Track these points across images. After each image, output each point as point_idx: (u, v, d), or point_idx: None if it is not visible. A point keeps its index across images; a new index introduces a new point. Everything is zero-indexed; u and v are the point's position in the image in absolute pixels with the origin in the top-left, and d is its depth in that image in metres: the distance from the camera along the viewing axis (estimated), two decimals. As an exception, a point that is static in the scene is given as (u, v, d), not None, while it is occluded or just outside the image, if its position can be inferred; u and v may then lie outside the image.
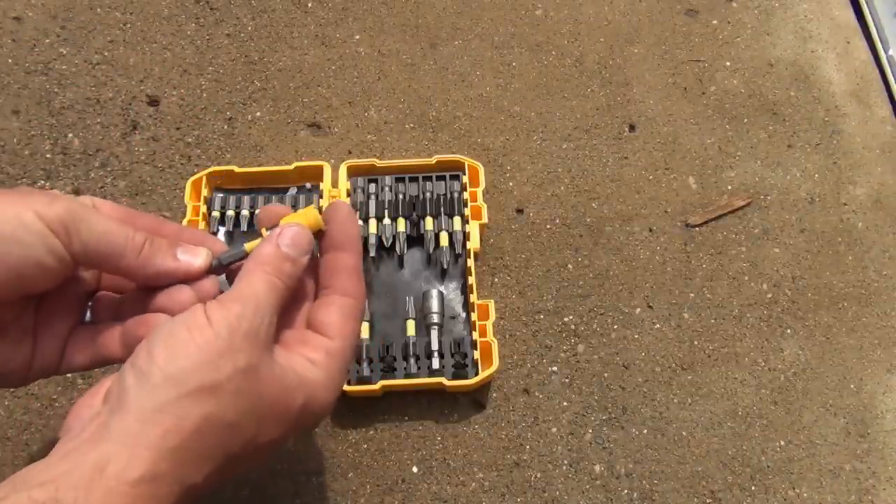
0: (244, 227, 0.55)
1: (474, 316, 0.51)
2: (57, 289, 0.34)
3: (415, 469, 0.50)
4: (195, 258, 0.36)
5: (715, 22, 0.68)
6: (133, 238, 0.34)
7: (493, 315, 0.51)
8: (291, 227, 0.36)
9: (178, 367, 0.29)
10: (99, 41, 0.64)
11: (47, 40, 0.64)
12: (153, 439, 0.28)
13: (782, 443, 0.51)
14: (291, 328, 0.36)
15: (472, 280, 0.52)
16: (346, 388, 0.49)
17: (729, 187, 0.60)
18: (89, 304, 0.38)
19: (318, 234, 0.37)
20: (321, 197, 0.55)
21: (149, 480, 0.28)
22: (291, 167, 0.56)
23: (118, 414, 0.29)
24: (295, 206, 0.55)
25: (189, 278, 0.36)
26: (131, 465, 0.28)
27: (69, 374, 0.51)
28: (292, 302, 0.36)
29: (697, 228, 0.59)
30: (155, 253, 0.35)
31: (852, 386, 0.54)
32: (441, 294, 0.53)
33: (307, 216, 0.37)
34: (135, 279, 0.36)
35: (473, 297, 0.52)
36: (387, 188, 0.56)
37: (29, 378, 0.36)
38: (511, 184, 0.60)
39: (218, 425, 0.30)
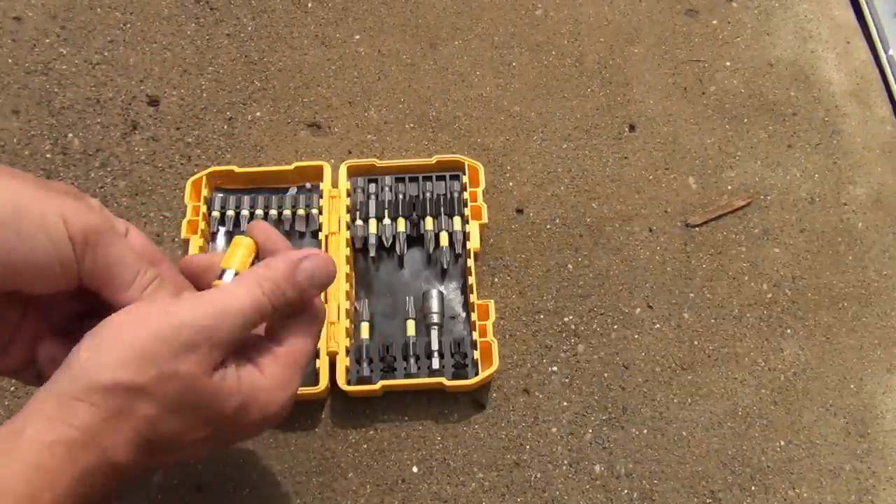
0: (244, 227, 0.55)
1: (474, 316, 0.51)
2: (49, 296, 0.33)
3: (415, 469, 0.50)
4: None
5: (715, 22, 0.68)
6: (143, 275, 0.33)
7: (493, 315, 0.51)
8: (321, 256, 0.35)
9: (95, 363, 0.30)
10: (99, 41, 0.64)
11: (47, 40, 0.64)
12: (68, 418, 0.29)
13: (782, 443, 0.51)
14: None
15: (472, 280, 0.52)
16: (346, 388, 0.49)
17: (729, 187, 0.60)
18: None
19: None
20: (321, 197, 0.55)
21: (64, 444, 0.28)
22: (291, 167, 0.56)
23: (42, 391, 0.29)
24: (295, 207, 0.55)
25: None
26: (47, 429, 0.28)
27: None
28: None
29: (697, 228, 0.59)
30: (158, 296, 0.33)
31: (852, 386, 0.54)
32: (441, 294, 0.53)
33: (243, 247, 0.36)
34: None
35: (473, 297, 0.52)
36: (387, 188, 0.56)
37: None
38: (511, 184, 0.60)
39: (132, 419, 0.30)
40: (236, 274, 0.35)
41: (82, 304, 0.35)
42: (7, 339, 0.35)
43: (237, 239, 0.36)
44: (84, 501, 0.29)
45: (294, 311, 0.36)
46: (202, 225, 0.54)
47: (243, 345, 0.34)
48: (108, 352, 0.30)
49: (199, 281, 0.36)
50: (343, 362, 0.50)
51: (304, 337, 0.35)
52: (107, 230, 0.32)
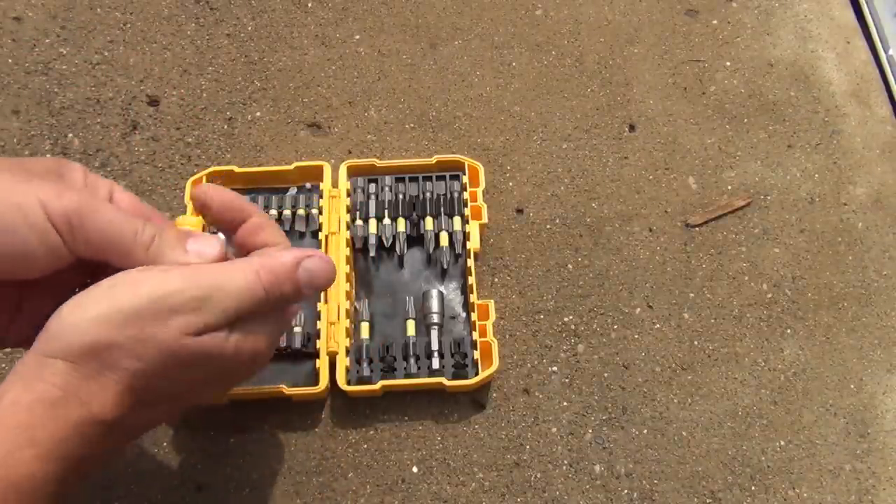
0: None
1: (474, 316, 0.51)
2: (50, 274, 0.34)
3: (415, 469, 0.50)
4: (207, 248, 0.34)
5: (715, 22, 0.68)
6: (142, 233, 0.32)
7: (493, 315, 0.51)
8: (324, 258, 0.35)
9: (76, 321, 0.30)
10: (99, 41, 0.64)
11: (47, 40, 0.64)
12: (48, 377, 0.29)
13: (782, 443, 0.51)
14: None
15: (472, 280, 0.52)
16: (346, 388, 0.49)
17: (729, 187, 0.60)
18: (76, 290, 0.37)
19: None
20: (321, 197, 0.55)
21: (45, 402, 0.29)
22: (291, 167, 0.56)
23: (21, 360, 0.30)
24: (295, 207, 0.55)
25: None
26: (26, 390, 0.29)
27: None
28: None
29: (697, 228, 0.59)
30: (164, 248, 0.33)
31: (852, 386, 0.54)
32: (441, 294, 0.53)
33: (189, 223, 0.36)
34: None
35: (473, 297, 0.52)
36: (387, 188, 0.56)
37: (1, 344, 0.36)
38: (511, 184, 0.60)
39: (117, 372, 0.30)
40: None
41: (88, 273, 0.35)
42: (8, 318, 0.35)
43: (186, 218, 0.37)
44: (73, 457, 0.30)
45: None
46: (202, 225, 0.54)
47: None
48: (88, 310, 0.30)
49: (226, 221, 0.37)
50: (343, 362, 0.50)
51: (265, 336, 0.35)
52: (89, 205, 0.31)
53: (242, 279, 0.32)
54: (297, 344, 0.50)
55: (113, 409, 0.30)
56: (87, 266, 0.35)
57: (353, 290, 0.54)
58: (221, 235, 0.36)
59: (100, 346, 0.30)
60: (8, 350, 0.52)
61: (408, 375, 0.51)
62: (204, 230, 0.37)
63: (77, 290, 0.35)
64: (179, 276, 0.31)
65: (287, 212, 0.55)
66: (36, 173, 0.32)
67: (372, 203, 0.55)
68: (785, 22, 0.68)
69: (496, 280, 0.56)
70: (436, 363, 0.50)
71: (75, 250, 0.32)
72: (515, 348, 0.54)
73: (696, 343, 0.54)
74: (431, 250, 0.54)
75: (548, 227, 0.58)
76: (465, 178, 0.56)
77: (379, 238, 0.54)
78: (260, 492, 0.49)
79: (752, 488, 0.50)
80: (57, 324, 0.30)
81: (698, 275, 0.57)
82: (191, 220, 0.37)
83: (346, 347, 0.51)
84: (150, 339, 0.30)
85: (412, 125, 0.62)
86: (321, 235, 0.54)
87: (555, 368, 0.53)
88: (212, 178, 0.56)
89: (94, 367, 0.30)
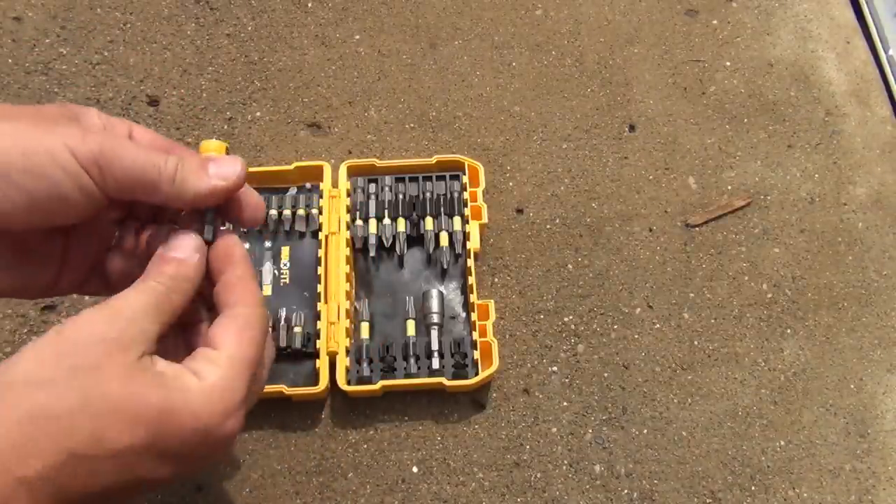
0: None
1: (474, 316, 0.51)
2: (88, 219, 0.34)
3: (415, 469, 0.50)
4: (229, 169, 0.35)
5: (715, 22, 0.68)
6: (165, 166, 0.33)
7: (493, 315, 0.51)
8: (179, 233, 0.35)
9: (5, 367, 0.28)
10: (99, 41, 0.64)
11: (47, 40, 0.64)
12: None
13: (782, 443, 0.51)
14: (186, 350, 0.34)
15: (472, 280, 0.52)
16: (346, 388, 0.49)
17: (729, 187, 0.60)
18: (116, 232, 0.37)
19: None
20: (321, 197, 0.55)
21: None
22: (291, 167, 0.56)
23: None
24: (295, 207, 0.55)
25: (229, 194, 0.35)
26: None
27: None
28: (190, 327, 0.36)
29: (697, 228, 0.59)
30: (187, 176, 0.33)
31: (852, 386, 0.54)
32: (441, 294, 0.53)
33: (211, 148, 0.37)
34: (174, 207, 0.35)
35: (473, 297, 0.52)
36: (387, 188, 0.56)
37: (51, 294, 0.36)
38: (511, 184, 0.60)
39: (48, 420, 0.28)
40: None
41: (123, 213, 0.37)
42: (57, 268, 0.35)
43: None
44: None
45: (226, 311, 0.34)
46: (202, 225, 0.54)
47: (184, 356, 0.33)
48: (17, 361, 0.29)
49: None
50: (343, 362, 0.50)
51: (242, 342, 0.33)
52: (112, 145, 0.32)
53: (141, 291, 0.32)
54: (297, 344, 0.50)
55: (35, 469, 0.28)
56: (121, 206, 0.36)
57: (353, 290, 0.54)
58: (238, 165, 0.36)
59: (31, 385, 0.28)
60: (8, 350, 0.52)
61: (408, 375, 0.51)
62: (227, 153, 0.37)
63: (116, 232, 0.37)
64: (85, 316, 0.31)
65: (287, 212, 0.55)
66: (53, 119, 0.32)
67: (372, 203, 0.55)
68: (785, 22, 0.68)
69: (496, 280, 0.56)
70: (436, 363, 0.50)
71: (106, 191, 0.32)
72: (515, 348, 0.54)
73: (696, 343, 0.54)
74: (431, 250, 0.54)
75: (548, 227, 0.58)
76: (465, 178, 0.56)
77: (379, 238, 0.54)
78: (260, 492, 0.49)
79: (752, 488, 0.50)
80: None
81: (698, 275, 0.57)
82: (213, 145, 0.38)
83: (346, 347, 0.51)
84: (79, 371, 0.29)
85: (412, 125, 0.62)
86: (321, 235, 0.54)
87: (555, 368, 0.53)
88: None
89: (10, 428, 0.27)
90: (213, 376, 0.31)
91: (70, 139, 0.31)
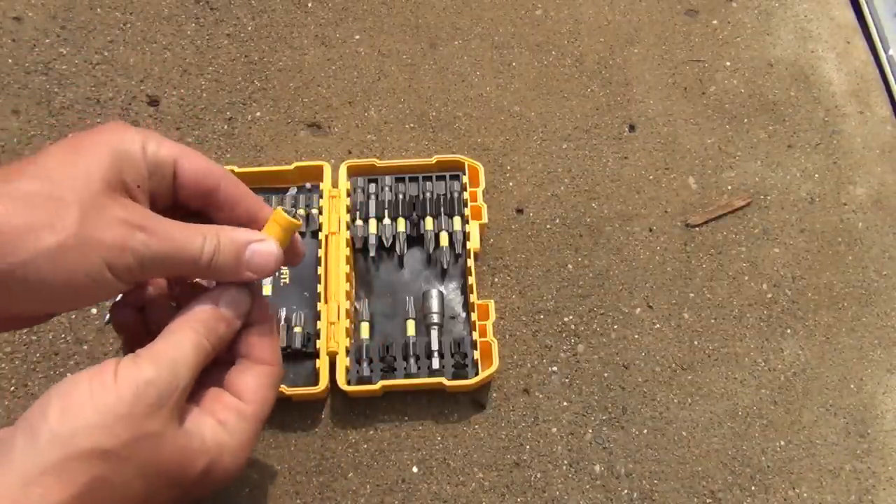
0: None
1: (474, 316, 0.51)
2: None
3: (415, 469, 0.50)
4: (262, 261, 0.35)
5: (715, 22, 0.68)
6: (202, 255, 0.33)
7: (493, 315, 0.51)
8: (232, 288, 0.35)
9: (68, 429, 0.28)
10: (99, 41, 0.64)
11: (47, 40, 0.64)
12: (33, 501, 0.27)
13: (782, 443, 0.51)
14: (207, 386, 0.35)
15: (472, 280, 0.52)
16: (346, 388, 0.49)
17: (729, 187, 0.60)
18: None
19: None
20: (321, 197, 0.55)
21: None
22: (291, 167, 0.56)
23: (1, 468, 0.28)
24: (295, 207, 0.55)
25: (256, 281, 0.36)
26: None
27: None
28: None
29: (697, 228, 0.59)
30: (222, 266, 0.33)
31: (852, 386, 0.54)
32: (441, 294, 0.53)
33: (281, 221, 0.36)
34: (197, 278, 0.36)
35: (473, 297, 0.52)
36: (387, 188, 0.56)
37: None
38: (511, 184, 0.60)
39: (105, 488, 0.29)
40: None
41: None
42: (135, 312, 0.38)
43: (277, 213, 0.37)
44: None
45: (252, 363, 0.36)
46: (202, 225, 0.54)
47: (206, 399, 0.34)
48: (78, 416, 0.29)
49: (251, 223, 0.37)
50: (343, 362, 0.50)
51: (267, 401, 0.36)
52: (154, 250, 0.31)
53: (188, 342, 0.33)
54: (297, 344, 0.50)
55: None
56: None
57: (353, 290, 0.54)
58: (272, 259, 0.36)
59: (95, 455, 0.29)
60: (8, 350, 0.52)
61: (408, 375, 0.51)
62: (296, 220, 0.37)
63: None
64: (148, 366, 0.31)
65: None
66: (97, 203, 0.31)
67: (372, 203, 0.55)
68: (785, 22, 0.68)
69: (496, 280, 0.56)
70: (436, 363, 0.50)
71: (134, 283, 0.32)
72: (515, 348, 0.54)
73: (696, 343, 0.54)
74: (431, 250, 0.54)
75: (548, 227, 0.58)
76: (465, 178, 0.56)
77: (379, 238, 0.54)
78: (260, 492, 0.49)
79: (752, 488, 0.50)
80: (47, 432, 0.28)
81: (698, 275, 0.57)
82: (284, 222, 0.36)
83: (346, 347, 0.51)
84: (143, 440, 0.30)
85: (412, 125, 0.62)
86: (321, 235, 0.54)
87: (555, 368, 0.53)
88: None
89: (85, 484, 0.28)
90: (243, 435, 0.34)
91: (110, 253, 0.30)
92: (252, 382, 0.35)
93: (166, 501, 0.32)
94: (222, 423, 0.34)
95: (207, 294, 0.35)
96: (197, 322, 0.33)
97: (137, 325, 0.37)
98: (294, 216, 0.43)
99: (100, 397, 0.29)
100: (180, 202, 0.36)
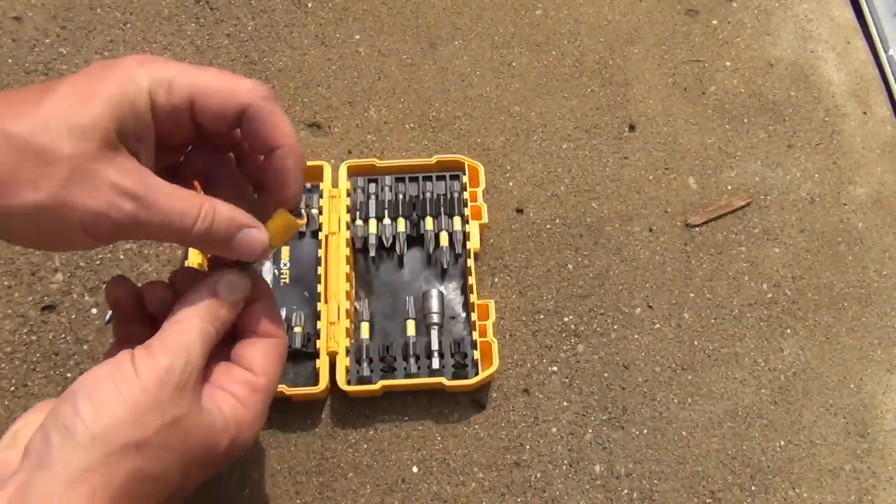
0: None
1: (474, 316, 0.51)
2: None
3: (415, 469, 0.50)
4: (249, 247, 0.35)
5: (715, 22, 0.68)
6: (196, 224, 0.33)
7: (493, 315, 0.51)
8: (229, 274, 0.36)
9: (103, 425, 0.29)
10: (99, 41, 0.64)
11: (47, 40, 0.64)
12: (79, 500, 0.28)
13: (782, 443, 0.51)
14: (216, 361, 0.36)
15: (472, 280, 0.52)
16: (346, 388, 0.49)
17: (729, 187, 0.60)
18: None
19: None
20: (321, 197, 0.55)
21: None
22: (291, 167, 0.56)
23: (41, 472, 0.28)
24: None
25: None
26: None
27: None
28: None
29: (697, 228, 0.59)
30: (213, 242, 0.34)
31: (852, 386, 0.54)
32: (441, 294, 0.53)
33: (283, 220, 0.36)
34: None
35: (473, 297, 0.52)
36: (387, 188, 0.56)
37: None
38: (511, 184, 0.60)
39: (145, 479, 0.30)
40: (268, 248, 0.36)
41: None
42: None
43: (280, 213, 0.37)
44: None
45: (258, 337, 0.37)
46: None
47: (217, 374, 0.35)
48: (110, 412, 0.29)
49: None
50: (343, 362, 0.50)
51: (278, 373, 0.37)
52: (146, 204, 0.31)
53: (193, 328, 0.33)
54: (297, 344, 0.50)
55: None
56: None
57: (353, 290, 0.54)
58: (257, 245, 0.36)
59: (131, 449, 0.30)
60: (8, 350, 0.52)
61: (408, 375, 0.51)
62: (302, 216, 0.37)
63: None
64: (163, 353, 0.32)
65: (287, 212, 0.55)
66: (95, 155, 0.30)
67: (372, 203, 0.55)
68: (785, 22, 0.68)
69: (496, 280, 0.56)
70: (436, 363, 0.50)
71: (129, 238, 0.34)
72: (515, 348, 0.54)
73: (696, 343, 0.54)
74: (431, 250, 0.54)
75: (548, 227, 0.58)
76: (465, 178, 0.56)
77: (379, 238, 0.54)
78: (260, 492, 0.49)
79: (752, 488, 0.50)
80: (83, 431, 0.29)
81: (698, 275, 0.57)
82: (284, 220, 0.37)
83: (346, 347, 0.51)
84: (172, 427, 0.31)
85: (412, 125, 0.62)
86: (321, 235, 0.54)
87: (555, 368, 0.53)
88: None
89: (125, 478, 0.29)
90: (257, 406, 0.35)
91: (89, 217, 0.30)
92: (261, 356, 0.36)
93: (196, 481, 0.33)
94: (236, 397, 0.35)
95: (207, 280, 0.35)
96: (200, 309, 0.34)
97: (132, 301, 0.37)
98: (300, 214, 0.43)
99: (126, 392, 0.30)
100: (201, 133, 0.35)
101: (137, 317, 0.37)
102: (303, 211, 0.35)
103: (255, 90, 0.34)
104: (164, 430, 0.30)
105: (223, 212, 0.34)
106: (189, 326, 0.33)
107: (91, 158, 0.30)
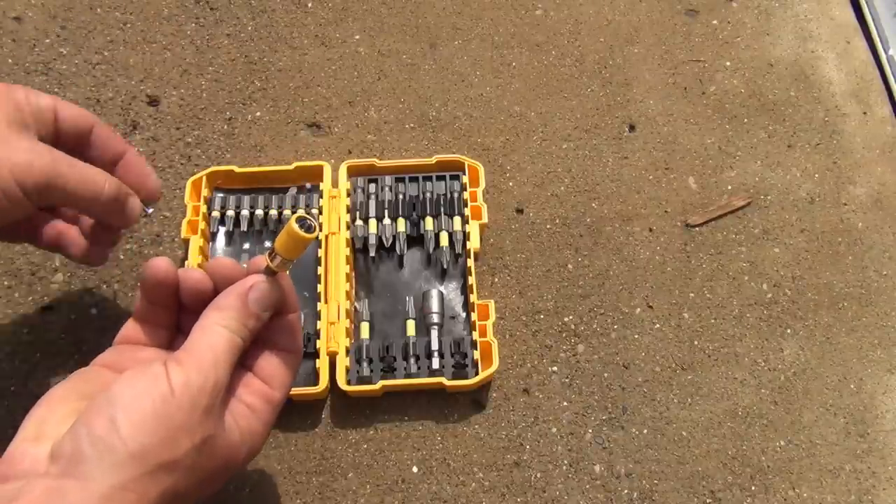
0: (244, 226, 0.55)
1: (474, 316, 0.51)
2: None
3: (415, 469, 0.50)
4: (132, 214, 0.42)
5: (715, 22, 0.68)
6: (105, 185, 0.39)
7: (493, 315, 0.51)
8: (261, 283, 0.36)
9: (141, 444, 0.30)
10: (99, 41, 0.64)
11: (47, 40, 0.64)
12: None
13: (782, 443, 0.51)
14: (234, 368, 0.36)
15: (472, 280, 0.52)
16: (346, 388, 0.49)
17: (729, 187, 0.60)
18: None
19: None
20: (321, 197, 0.55)
21: None
22: (291, 167, 0.56)
23: (74, 482, 0.29)
24: (294, 206, 0.55)
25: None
26: None
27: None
28: None
29: (697, 228, 0.59)
30: (119, 200, 0.41)
31: (852, 386, 0.54)
32: (441, 294, 0.53)
33: (287, 232, 0.35)
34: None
35: (473, 297, 0.52)
36: (387, 188, 0.56)
37: None
38: (511, 184, 0.60)
39: (172, 498, 0.31)
40: (284, 260, 0.35)
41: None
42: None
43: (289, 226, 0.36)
44: None
45: (279, 350, 0.38)
46: (202, 225, 0.54)
47: (235, 382, 0.36)
48: (149, 431, 0.30)
49: (227, 281, 0.37)
50: (343, 362, 0.50)
51: (291, 377, 0.38)
52: (58, 171, 0.37)
53: (222, 340, 0.34)
54: (297, 344, 0.50)
55: None
56: None
57: (353, 290, 0.54)
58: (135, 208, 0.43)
59: (163, 469, 0.30)
60: (8, 349, 0.52)
61: (408, 375, 0.51)
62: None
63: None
64: (193, 368, 0.33)
65: (287, 212, 0.55)
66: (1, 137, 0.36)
67: (372, 203, 0.55)
68: (785, 22, 0.68)
69: (496, 280, 0.56)
70: (436, 363, 0.50)
71: (41, 206, 0.38)
72: (515, 348, 0.54)
73: (696, 343, 0.54)
74: (431, 250, 0.54)
75: (548, 227, 0.58)
76: (465, 178, 0.56)
77: (379, 238, 0.54)
78: (260, 492, 0.49)
79: (752, 488, 0.50)
80: (121, 447, 0.30)
81: (698, 275, 0.57)
82: (296, 235, 0.35)
83: (346, 347, 0.51)
84: (203, 447, 0.32)
85: (412, 125, 0.62)
86: (321, 235, 0.54)
87: (555, 368, 0.53)
88: (211, 177, 0.56)
89: (157, 497, 0.30)
90: (268, 417, 0.37)
91: (18, 168, 0.36)
92: (280, 370, 0.37)
93: (210, 493, 0.35)
94: (251, 408, 0.36)
95: (240, 286, 0.36)
96: (231, 318, 0.35)
97: (166, 285, 0.37)
98: (310, 227, 0.40)
99: (162, 410, 0.31)
100: (61, 142, 0.40)
101: (167, 300, 0.38)
102: (314, 223, 0.34)
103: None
104: (194, 451, 0.31)
105: (118, 181, 0.41)
106: (218, 339, 0.34)
107: (5, 132, 0.36)
